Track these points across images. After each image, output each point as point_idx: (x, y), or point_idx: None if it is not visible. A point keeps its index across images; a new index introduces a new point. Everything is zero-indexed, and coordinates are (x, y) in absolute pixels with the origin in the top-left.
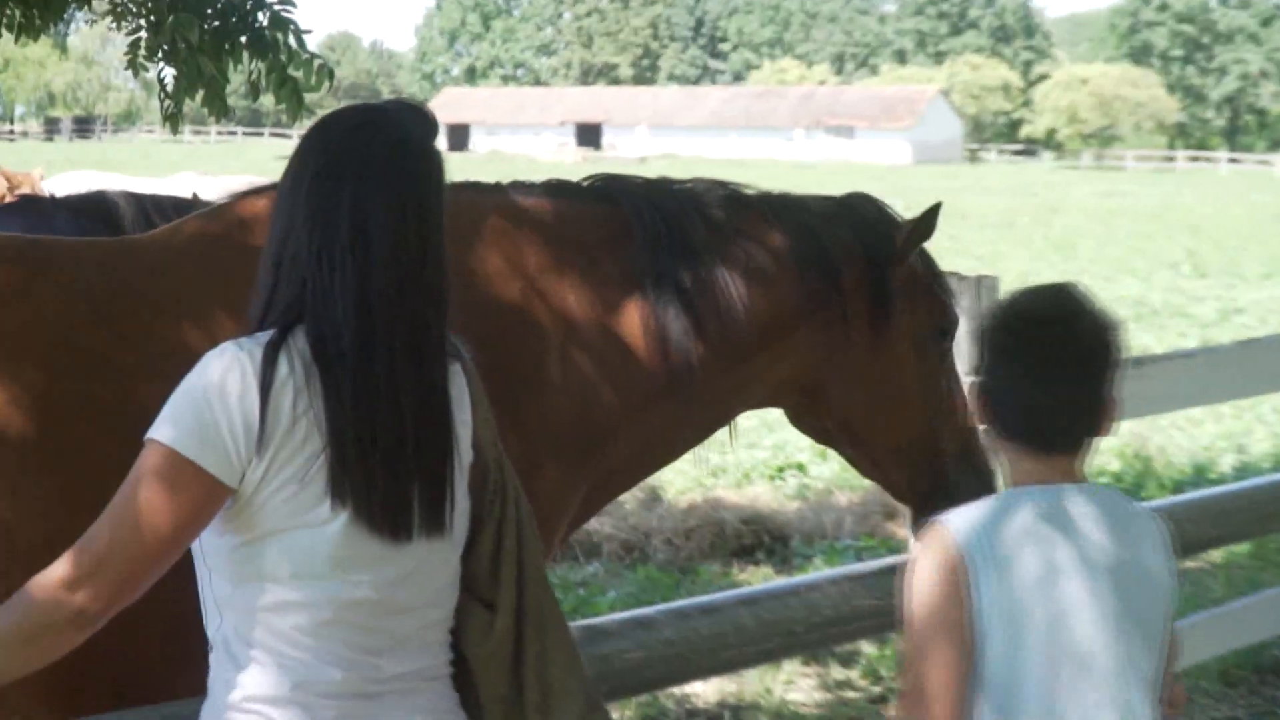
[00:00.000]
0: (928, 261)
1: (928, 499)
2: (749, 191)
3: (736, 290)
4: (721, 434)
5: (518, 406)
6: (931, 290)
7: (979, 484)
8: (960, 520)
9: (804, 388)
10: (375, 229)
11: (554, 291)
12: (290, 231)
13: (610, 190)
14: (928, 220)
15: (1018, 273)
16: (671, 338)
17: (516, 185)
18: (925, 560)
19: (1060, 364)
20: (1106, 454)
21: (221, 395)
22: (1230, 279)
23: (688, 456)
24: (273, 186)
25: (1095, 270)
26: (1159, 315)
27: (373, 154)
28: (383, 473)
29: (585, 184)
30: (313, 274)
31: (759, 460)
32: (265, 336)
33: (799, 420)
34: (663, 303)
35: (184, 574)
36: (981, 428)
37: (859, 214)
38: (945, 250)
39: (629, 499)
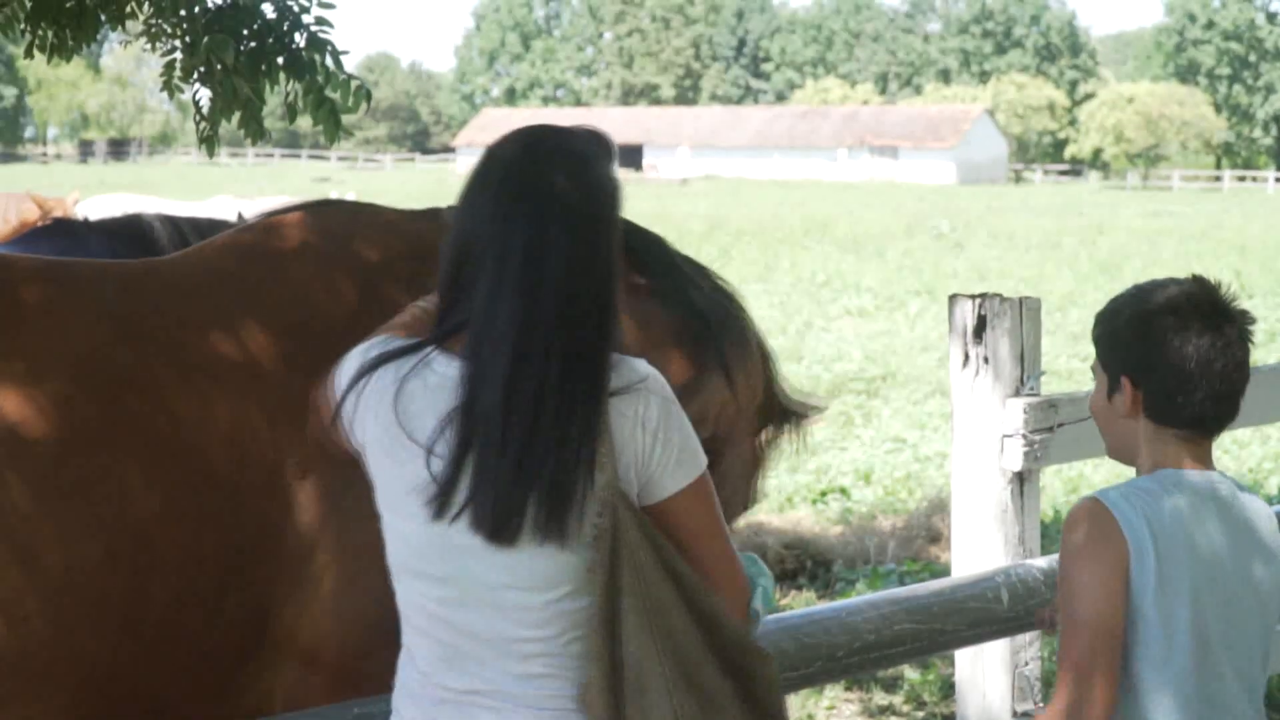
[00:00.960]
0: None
1: None
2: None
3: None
4: None
5: None
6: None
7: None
8: (1126, 506)
9: None
10: (551, 254)
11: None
12: (470, 245)
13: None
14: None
15: (1062, 294)
16: None
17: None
18: (1092, 559)
19: (1230, 350)
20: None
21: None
22: (1278, 299)
23: None
24: (305, 205)
25: None
26: None
27: (553, 177)
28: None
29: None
30: (484, 291)
31: (801, 484)
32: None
33: None
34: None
35: (212, 603)
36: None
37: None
38: (990, 272)
39: None
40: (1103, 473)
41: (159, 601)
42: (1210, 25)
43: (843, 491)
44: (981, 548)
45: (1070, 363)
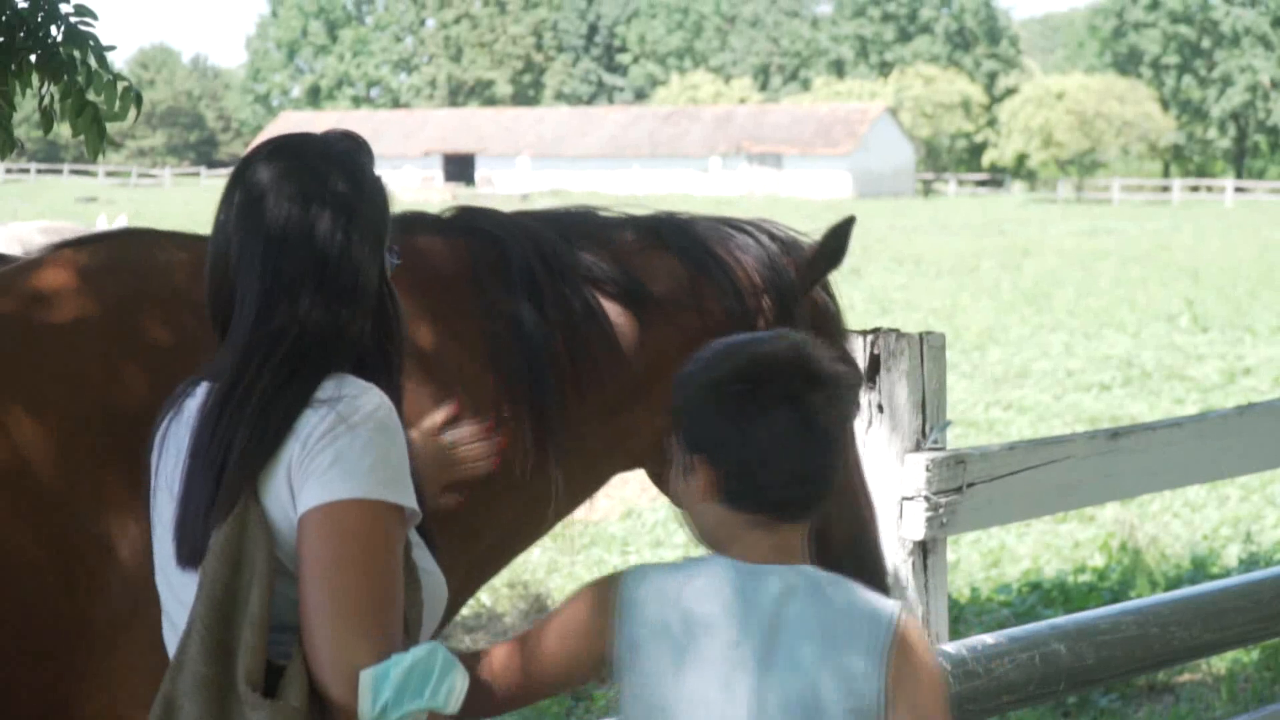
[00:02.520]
0: (834, 300)
1: None
2: (633, 213)
3: (609, 329)
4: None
5: None
6: (835, 336)
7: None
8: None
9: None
10: (273, 269)
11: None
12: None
13: (459, 222)
14: (836, 240)
15: (980, 329)
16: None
17: None
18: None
19: (818, 427)
20: (1088, 547)
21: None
22: (1237, 333)
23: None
24: (83, 240)
25: (1075, 324)
26: (1152, 378)
27: (283, 186)
28: None
29: (435, 217)
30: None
31: (665, 560)
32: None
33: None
34: (508, 346)
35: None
36: (701, 502)
37: (760, 238)
38: (894, 303)
39: (510, 611)
40: (1029, 543)
41: None
42: (1155, 5)
43: None
44: None
45: (990, 411)
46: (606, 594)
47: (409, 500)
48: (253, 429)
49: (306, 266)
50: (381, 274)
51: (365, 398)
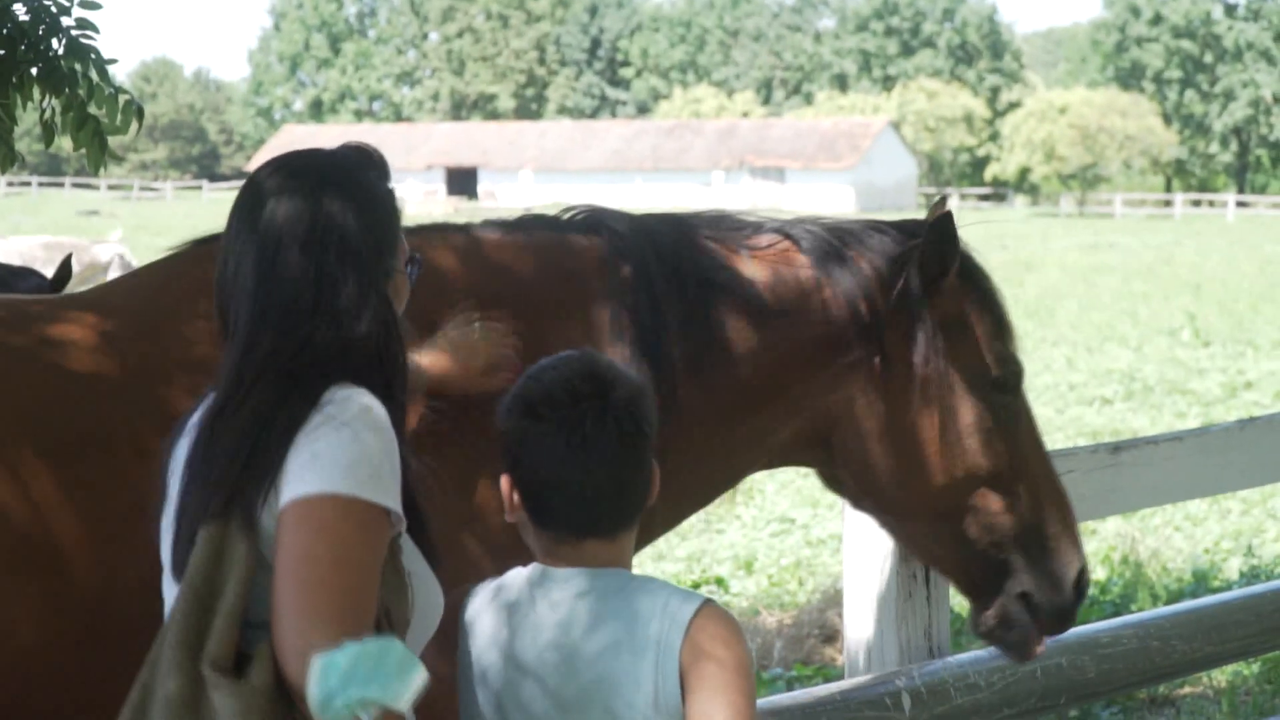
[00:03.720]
0: (987, 298)
1: (982, 588)
2: (766, 218)
3: (724, 333)
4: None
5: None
6: (989, 332)
7: (1048, 572)
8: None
9: (824, 441)
10: (265, 280)
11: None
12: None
13: (592, 221)
14: (937, 235)
15: None
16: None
17: (488, 223)
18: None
19: (600, 444)
20: (1090, 560)
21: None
22: (1239, 347)
23: None
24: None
25: (1077, 339)
26: (1153, 392)
27: (277, 204)
28: None
29: (565, 217)
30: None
31: (669, 574)
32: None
33: (829, 482)
34: (639, 346)
35: None
36: (511, 520)
37: (889, 238)
38: None
39: None
40: None
41: None
42: (1157, 20)
43: (719, 582)
44: (880, 646)
45: None
46: (454, 619)
47: (391, 502)
48: (253, 443)
49: (297, 287)
50: (379, 290)
51: (356, 398)
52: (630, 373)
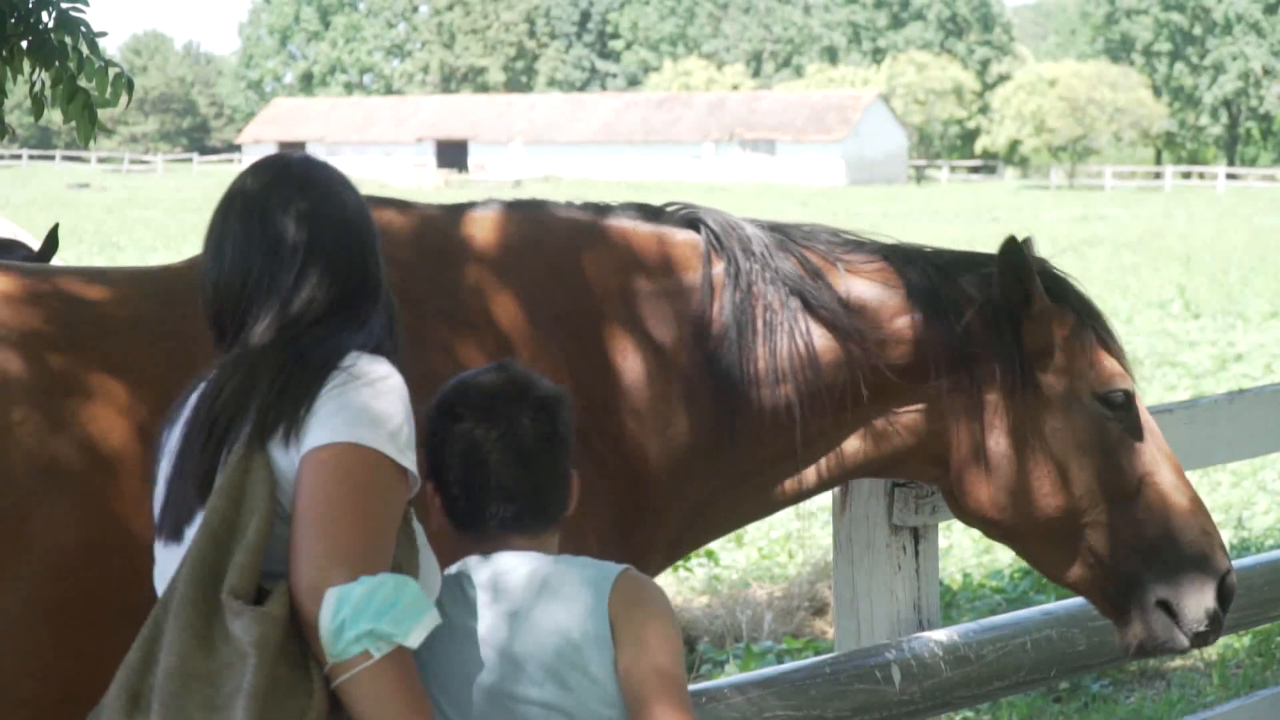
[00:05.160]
0: (1090, 315)
1: (1118, 604)
2: (868, 237)
3: (822, 338)
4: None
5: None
6: (1089, 350)
7: (1187, 580)
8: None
9: (933, 459)
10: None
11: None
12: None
13: (693, 216)
14: (1006, 266)
15: None
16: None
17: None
18: None
19: (515, 444)
20: None
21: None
22: (1229, 319)
23: None
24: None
25: None
26: (1143, 365)
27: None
28: None
29: (668, 208)
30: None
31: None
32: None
33: (948, 501)
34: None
35: None
36: (437, 524)
37: (992, 262)
38: None
39: None
40: None
41: None
42: None
43: (709, 555)
44: (869, 618)
45: None
46: None
47: (409, 464)
48: (277, 390)
49: (310, 290)
50: (372, 275)
51: (379, 365)
52: (548, 381)
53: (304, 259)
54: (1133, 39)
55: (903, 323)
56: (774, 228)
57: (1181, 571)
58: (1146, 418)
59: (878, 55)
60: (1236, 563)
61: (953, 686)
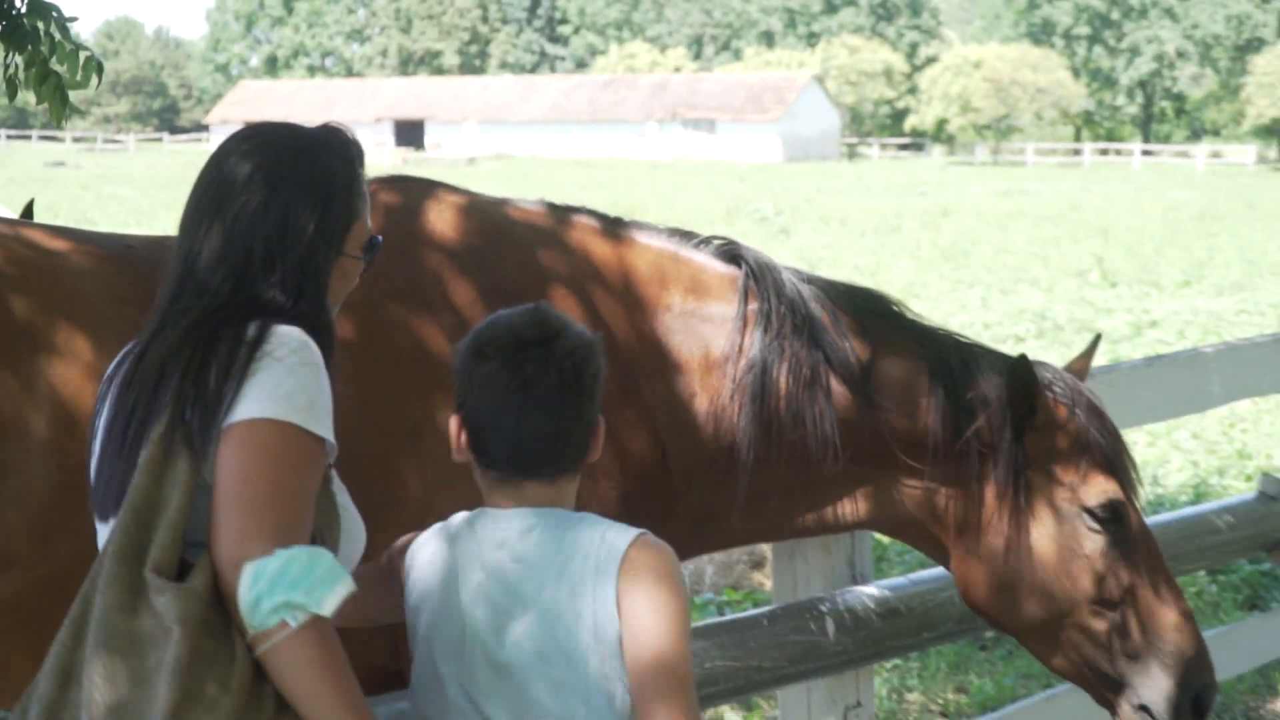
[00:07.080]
0: (1097, 434)
1: (1102, 696)
2: (911, 315)
3: (840, 395)
4: None
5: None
6: (1084, 464)
7: (1165, 689)
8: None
9: (931, 538)
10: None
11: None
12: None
13: (733, 250)
14: (1013, 383)
15: (903, 284)
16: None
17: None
18: None
19: (539, 388)
20: None
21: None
22: (1144, 288)
23: None
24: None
25: (991, 280)
26: (1063, 331)
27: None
28: None
29: (709, 238)
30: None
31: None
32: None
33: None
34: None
35: None
36: (460, 459)
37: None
38: (820, 260)
39: None
40: None
41: None
42: None
43: None
44: (804, 572)
45: None
46: (401, 561)
47: (325, 432)
48: (193, 367)
49: (251, 258)
50: (321, 273)
51: (290, 334)
52: (582, 328)
53: (215, 230)
54: (1054, 23)
55: (920, 404)
56: (810, 279)
57: (1163, 681)
58: (1143, 529)
59: (812, 39)
60: (1151, 519)
61: (884, 637)
